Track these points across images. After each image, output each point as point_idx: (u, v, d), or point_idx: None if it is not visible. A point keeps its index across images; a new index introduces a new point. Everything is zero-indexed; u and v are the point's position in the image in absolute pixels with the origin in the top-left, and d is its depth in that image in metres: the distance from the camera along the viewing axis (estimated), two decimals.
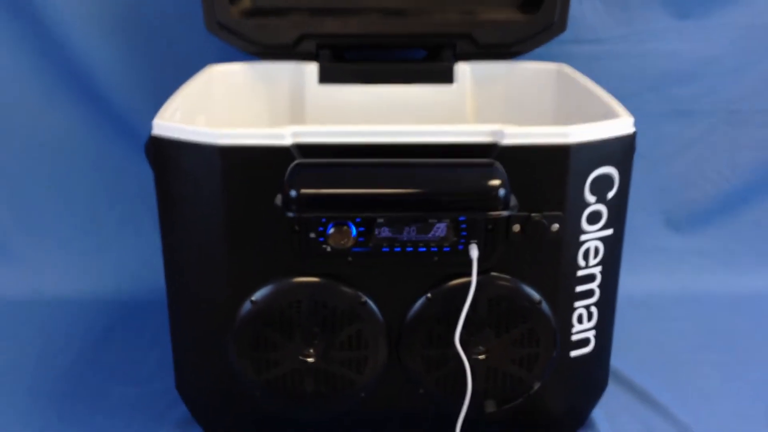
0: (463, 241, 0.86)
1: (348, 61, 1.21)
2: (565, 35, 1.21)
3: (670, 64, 1.34)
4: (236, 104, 1.18)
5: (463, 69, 1.18)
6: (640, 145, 1.35)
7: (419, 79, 1.18)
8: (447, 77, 1.18)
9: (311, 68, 1.18)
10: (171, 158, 0.88)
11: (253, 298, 0.90)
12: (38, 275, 1.40)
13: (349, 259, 0.87)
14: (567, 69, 1.14)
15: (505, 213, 0.80)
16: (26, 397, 1.12)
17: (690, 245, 1.42)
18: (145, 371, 1.17)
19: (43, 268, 1.41)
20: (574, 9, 1.28)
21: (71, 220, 1.42)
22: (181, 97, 0.99)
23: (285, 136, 0.84)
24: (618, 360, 1.15)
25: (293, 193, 0.80)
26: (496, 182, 0.80)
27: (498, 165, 0.81)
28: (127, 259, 1.42)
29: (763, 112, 1.36)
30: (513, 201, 0.82)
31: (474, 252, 0.85)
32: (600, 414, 1.05)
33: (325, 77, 1.18)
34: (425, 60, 1.22)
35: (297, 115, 1.19)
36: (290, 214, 0.79)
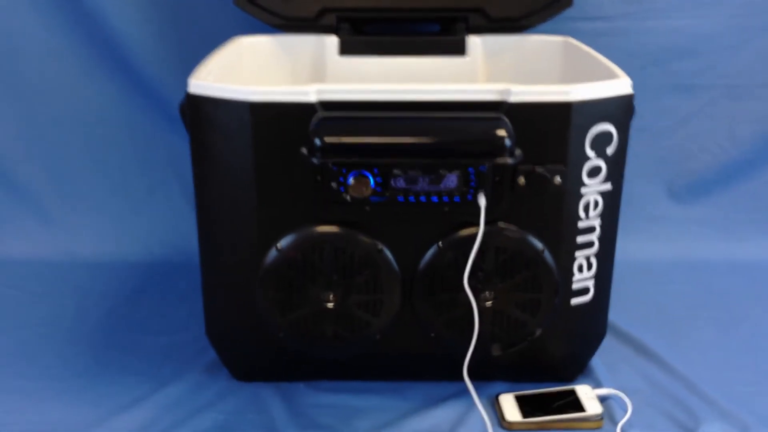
0: (471, 191, 0.93)
1: (367, 34, 1.28)
2: (572, 12, 1.28)
3: (671, 41, 1.40)
4: (261, 74, 1.25)
5: (474, 41, 1.25)
6: (643, 118, 1.43)
7: (433, 51, 1.25)
8: (459, 49, 1.25)
9: (332, 40, 1.25)
10: (205, 115, 0.95)
11: (279, 245, 0.98)
12: (73, 238, 1.48)
13: (367, 208, 0.95)
14: (572, 41, 1.21)
15: (510, 161, 0.88)
16: (66, 344, 1.20)
17: (690, 214, 1.48)
18: (174, 324, 1.25)
19: (78, 232, 1.49)
20: None
21: (105, 186, 1.49)
22: (211, 63, 1.07)
23: (310, 93, 0.91)
24: (618, 317, 1.22)
25: (318, 141, 0.88)
26: (502, 132, 0.88)
27: (504, 118, 0.89)
28: (157, 224, 1.49)
29: (760, 87, 1.42)
30: (518, 152, 0.89)
31: (482, 201, 0.92)
32: (599, 363, 1.11)
33: (345, 49, 1.25)
34: (439, 33, 1.29)
35: None
36: (314, 161, 0.87)
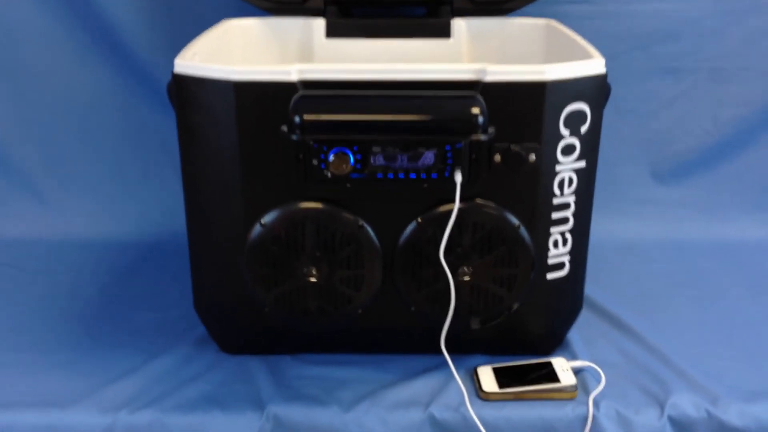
0: (449, 168, 0.95)
1: (353, 16, 1.30)
2: None
3: (656, 24, 1.42)
4: (249, 56, 1.28)
5: (459, 24, 1.27)
6: (627, 101, 1.46)
7: (419, 34, 1.27)
8: (444, 32, 1.27)
9: (319, 23, 1.27)
10: (191, 94, 0.98)
11: (263, 221, 1.00)
12: (68, 219, 1.51)
13: (348, 185, 0.97)
14: (554, 23, 1.23)
15: (483, 137, 0.91)
16: (60, 320, 1.23)
17: (673, 196, 1.50)
18: (165, 301, 1.27)
19: (73, 213, 1.52)
20: None
21: (99, 169, 1.53)
22: (198, 44, 1.09)
23: (291, 72, 0.94)
24: (597, 294, 1.25)
25: (297, 119, 0.90)
26: (476, 110, 0.90)
27: (479, 96, 0.91)
28: (150, 206, 1.52)
29: (743, 70, 1.44)
30: (491, 129, 0.92)
31: (458, 177, 0.95)
32: (576, 337, 1.14)
33: (332, 32, 1.27)
34: (425, 16, 1.31)
35: None
36: (294, 137, 0.90)
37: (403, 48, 1.28)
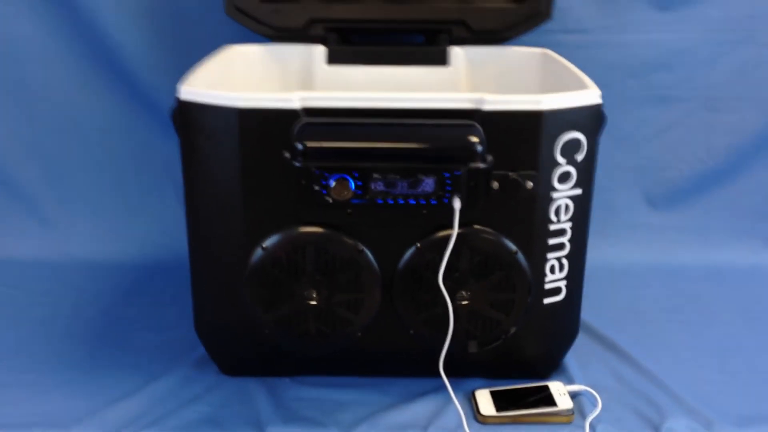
0: (448, 195, 0.97)
1: (353, 44, 1.33)
2: (553, 25, 1.34)
3: (650, 53, 1.45)
4: (251, 82, 1.30)
5: (456, 52, 1.30)
6: (622, 128, 1.49)
7: (417, 61, 1.30)
8: (442, 60, 1.30)
9: (320, 50, 1.30)
10: (195, 120, 1.00)
11: (264, 245, 1.02)
12: (70, 240, 1.53)
13: (348, 210, 0.99)
14: (550, 53, 1.26)
15: (482, 165, 0.93)
16: (62, 340, 1.24)
17: (667, 221, 1.53)
18: (165, 322, 1.29)
19: (75, 234, 1.54)
20: (563, 0, 1.41)
21: (100, 190, 1.54)
22: (202, 71, 1.12)
23: (294, 100, 0.96)
24: (593, 318, 1.27)
25: (299, 146, 0.93)
26: (474, 139, 0.93)
27: (476, 125, 0.94)
28: (151, 227, 1.54)
29: (735, 99, 1.47)
30: (489, 157, 0.94)
31: (457, 204, 0.97)
32: (573, 361, 1.16)
33: (333, 59, 1.30)
34: (423, 44, 1.34)
35: None
36: (296, 164, 0.92)
37: (402, 75, 1.30)
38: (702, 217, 1.52)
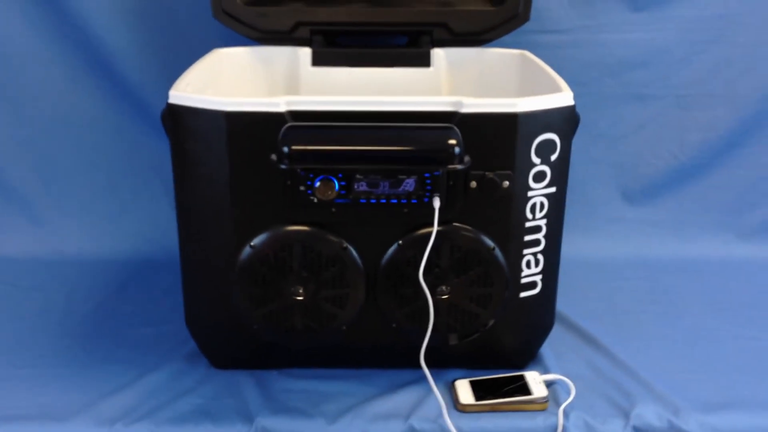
0: (428, 194, 1.01)
1: (338, 46, 1.36)
2: (532, 26, 1.37)
3: (626, 53, 1.50)
4: (239, 83, 1.33)
5: (438, 54, 1.34)
6: (599, 125, 1.53)
7: (400, 63, 1.34)
8: (425, 61, 1.34)
9: (305, 52, 1.33)
10: (184, 123, 1.03)
11: (252, 243, 1.06)
12: (62, 237, 1.56)
13: (333, 209, 1.03)
14: (528, 54, 1.30)
15: (460, 167, 0.97)
16: (56, 335, 1.27)
17: (642, 216, 1.57)
18: (157, 317, 1.32)
19: (67, 232, 1.56)
20: (541, 2, 1.44)
21: (92, 188, 1.57)
22: (191, 74, 1.14)
23: (280, 104, 1.00)
24: (568, 309, 1.32)
25: (285, 149, 0.97)
26: (453, 141, 0.97)
27: (455, 128, 0.98)
28: (142, 224, 1.57)
29: (708, 97, 1.52)
30: (467, 158, 0.99)
31: (437, 203, 1.01)
32: (549, 352, 1.20)
33: (318, 60, 1.33)
34: (406, 46, 1.38)
35: (292, 94, 1.35)
36: (283, 167, 0.96)
37: (385, 76, 1.34)
38: (676, 211, 1.57)
